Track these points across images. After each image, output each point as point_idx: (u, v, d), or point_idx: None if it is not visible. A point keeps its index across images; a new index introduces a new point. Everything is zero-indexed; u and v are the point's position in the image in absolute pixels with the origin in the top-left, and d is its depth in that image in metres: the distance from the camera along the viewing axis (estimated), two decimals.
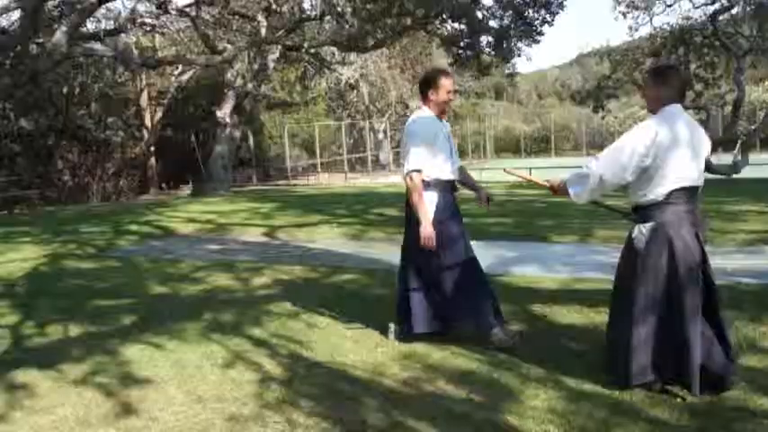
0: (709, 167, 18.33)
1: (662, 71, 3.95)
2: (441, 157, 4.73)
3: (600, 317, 5.11)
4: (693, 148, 3.77)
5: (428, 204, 4.68)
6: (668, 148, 3.68)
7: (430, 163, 4.68)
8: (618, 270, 4.04)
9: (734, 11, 20.46)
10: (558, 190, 4.08)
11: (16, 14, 17.09)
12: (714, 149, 19.31)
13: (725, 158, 20.98)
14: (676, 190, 3.72)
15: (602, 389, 3.88)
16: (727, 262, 6.89)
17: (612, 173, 3.78)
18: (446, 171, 4.78)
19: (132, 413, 3.90)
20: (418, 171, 4.65)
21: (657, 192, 3.73)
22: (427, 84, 4.75)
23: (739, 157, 18.71)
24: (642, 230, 3.81)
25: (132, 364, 4.69)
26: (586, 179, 3.88)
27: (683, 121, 3.78)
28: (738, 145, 19.63)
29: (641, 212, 3.85)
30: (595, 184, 3.85)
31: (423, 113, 4.82)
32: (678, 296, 3.72)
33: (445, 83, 4.71)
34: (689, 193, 3.78)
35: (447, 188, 4.80)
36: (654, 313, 3.77)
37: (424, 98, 4.78)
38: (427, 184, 4.70)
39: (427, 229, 4.61)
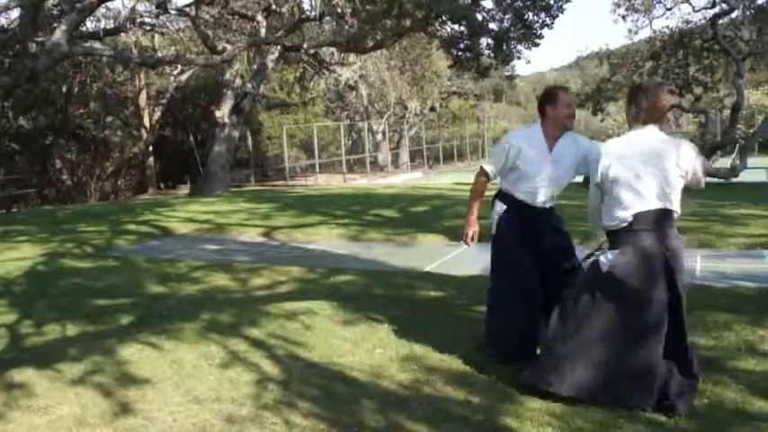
0: (707, 171, 18.48)
1: (633, 92, 3.93)
2: (518, 175, 4.52)
3: None
4: (657, 171, 3.67)
5: (493, 213, 4.62)
6: (621, 170, 3.68)
7: (504, 175, 4.60)
8: (582, 288, 3.96)
9: (733, 15, 20.53)
10: None
11: (15, 13, 17.11)
12: (713, 153, 19.42)
13: (723, 162, 21.01)
14: (640, 214, 3.67)
15: None
16: (727, 265, 6.91)
17: (590, 199, 3.96)
18: (520, 190, 4.56)
19: (130, 413, 3.89)
20: (485, 173, 4.59)
21: (620, 216, 3.71)
22: (546, 98, 4.58)
23: (738, 161, 18.74)
24: (608, 256, 3.77)
25: (130, 363, 4.68)
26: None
27: (646, 142, 3.72)
28: (737, 149, 19.68)
29: (609, 237, 3.86)
30: (591, 213, 4.04)
31: (526, 128, 4.81)
32: (640, 324, 3.69)
33: (564, 98, 4.54)
34: (656, 216, 3.68)
35: (519, 208, 4.56)
36: (613, 339, 3.73)
37: (542, 113, 4.60)
38: (500, 194, 4.67)
39: (467, 225, 4.63)
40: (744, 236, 8.25)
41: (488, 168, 4.59)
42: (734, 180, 18.36)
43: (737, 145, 19.68)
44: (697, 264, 7.03)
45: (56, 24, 15.57)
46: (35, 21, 14.37)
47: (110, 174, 25.03)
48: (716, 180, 18.60)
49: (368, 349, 4.79)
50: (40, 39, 15.36)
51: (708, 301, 5.48)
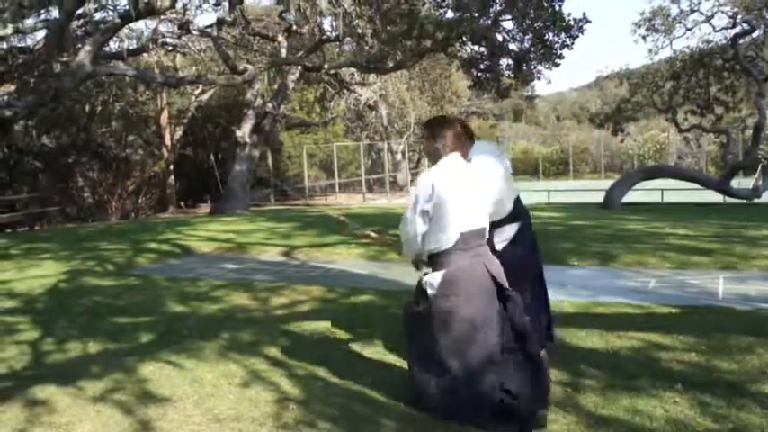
0: (729, 192, 18.33)
1: (434, 125, 4.15)
2: None
3: (620, 341, 5.08)
4: (475, 194, 3.96)
5: None
6: (447, 197, 3.84)
7: None
8: (411, 317, 4.08)
9: (754, 35, 20.46)
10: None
11: (41, 34, 17.38)
12: (735, 173, 19.29)
13: (745, 183, 20.84)
14: (461, 234, 3.86)
15: (622, 414, 3.84)
16: (749, 287, 6.83)
17: (411, 226, 3.94)
18: None
19: (150, 431, 3.90)
20: None
21: (443, 239, 3.86)
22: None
23: (760, 182, 18.59)
24: (435, 278, 3.90)
25: (150, 381, 4.70)
26: (402, 235, 4.05)
27: (459, 170, 3.97)
28: (759, 169, 19.54)
29: (432, 261, 3.97)
30: (409, 238, 3.99)
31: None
32: (472, 341, 3.81)
33: None
34: (475, 235, 3.93)
35: None
36: (453, 359, 3.82)
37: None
38: None
39: None
40: (766, 257, 8.17)
41: None
42: (756, 201, 18.22)
43: (760, 165, 19.53)
44: (719, 285, 6.97)
45: (80, 45, 15.78)
46: (61, 42, 14.58)
47: (131, 192, 25.22)
48: (738, 200, 18.47)
49: (387, 368, 4.77)
50: (64, 59, 15.58)
51: (730, 324, 5.42)
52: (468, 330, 3.81)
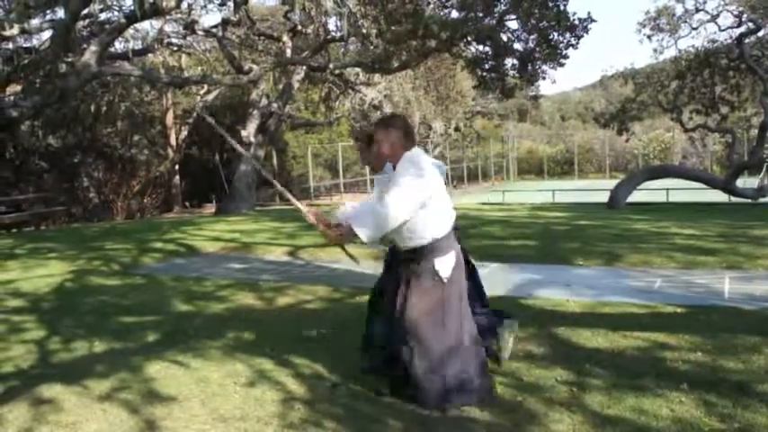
0: (734, 191, 18.28)
1: (391, 120, 4.22)
2: None
3: (626, 341, 5.08)
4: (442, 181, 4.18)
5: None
6: (439, 186, 4.03)
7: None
8: (415, 308, 4.03)
9: (760, 33, 20.41)
10: (342, 233, 4.05)
11: (47, 34, 17.41)
12: (740, 173, 19.25)
13: (751, 182, 20.79)
14: (454, 219, 4.14)
15: (628, 414, 3.84)
16: (755, 287, 6.82)
17: (401, 209, 3.87)
18: None
19: (156, 430, 3.91)
20: None
21: (443, 224, 4.03)
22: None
23: (765, 181, 18.55)
24: (446, 261, 4.01)
25: (156, 381, 4.71)
26: (379, 221, 3.90)
27: (431, 161, 4.15)
28: (764, 168, 19.49)
29: (435, 247, 4.01)
30: (390, 225, 3.90)
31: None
32: (465, 329, 4.09)
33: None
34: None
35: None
36: (466, 331, 4.09)
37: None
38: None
39: None
40: None
41: None
42: (762, 200, 18.18)
43: (765, 165, 19.48)
44: (725, 285, 6.96)
45: (86, 45, 15.80)
46: (66, 42, 14.60)
47: (136, 192, 25.27)
48: (743, 200, 18.43)
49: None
50: (70, 59, 15.60)
51: (736, 324, 5.42)
52: (463, 313, 4.10)
